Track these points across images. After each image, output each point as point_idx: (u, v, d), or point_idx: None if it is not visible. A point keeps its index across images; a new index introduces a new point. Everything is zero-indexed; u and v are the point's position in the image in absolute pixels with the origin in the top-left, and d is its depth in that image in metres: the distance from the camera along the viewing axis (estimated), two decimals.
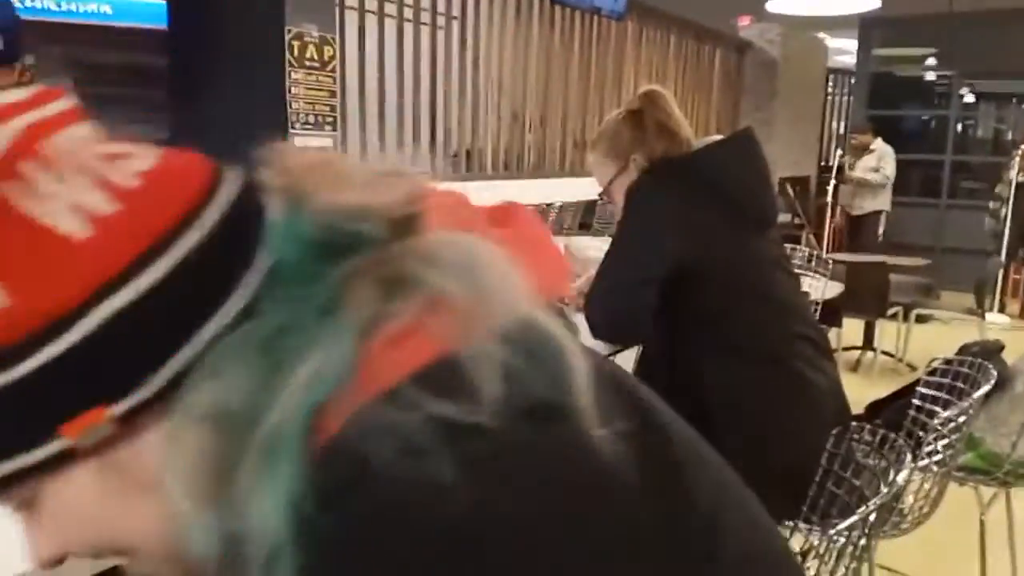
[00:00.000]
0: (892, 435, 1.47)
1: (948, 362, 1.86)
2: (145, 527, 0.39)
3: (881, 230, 6.80)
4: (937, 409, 1.75)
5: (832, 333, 4.26)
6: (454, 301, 0.37)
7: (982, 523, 2.02)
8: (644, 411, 0.42)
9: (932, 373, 1.88)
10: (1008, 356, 2.09)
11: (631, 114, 1.79)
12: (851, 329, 4.84)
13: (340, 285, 0.37)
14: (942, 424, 1.60)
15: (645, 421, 0.41)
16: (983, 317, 6.24)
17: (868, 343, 4.98)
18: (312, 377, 0.35)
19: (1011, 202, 6.19)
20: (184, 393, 0.36)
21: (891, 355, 4.91)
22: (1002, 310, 6.24)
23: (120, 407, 0.36)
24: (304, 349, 0.35)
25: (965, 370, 1.80)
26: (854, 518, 1.15)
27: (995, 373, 1.75)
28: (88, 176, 0.36)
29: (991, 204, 6.29)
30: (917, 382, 1.92)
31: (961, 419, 1.64)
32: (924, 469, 1.64)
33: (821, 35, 8.10)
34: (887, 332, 4.96)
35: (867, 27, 7.91)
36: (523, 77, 5.22)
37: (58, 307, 0.34)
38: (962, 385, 1.78)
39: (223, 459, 0.36)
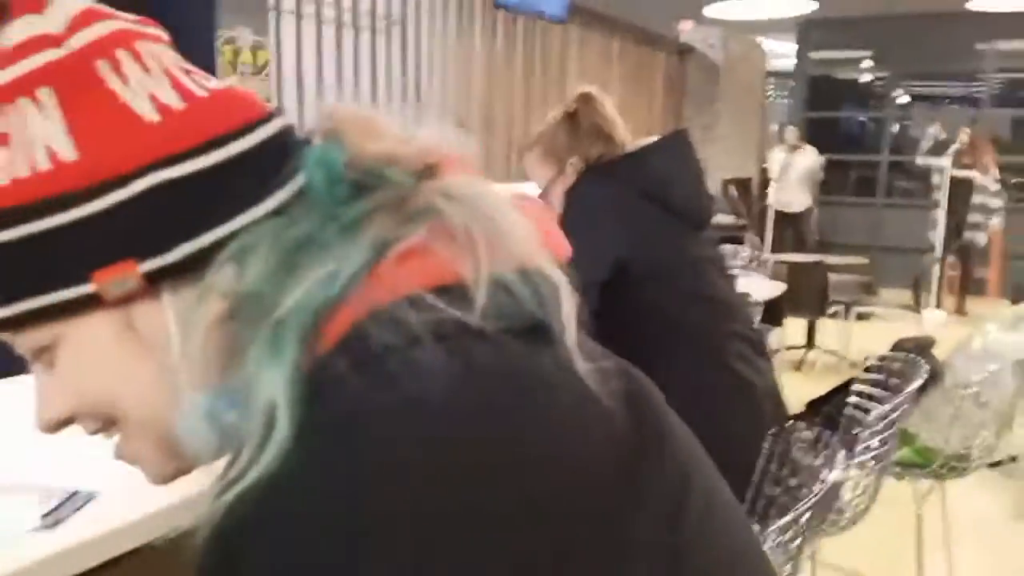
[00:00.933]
0: (827, 432, 1.48)
1: (882, 359, 1.89)
2: (145, 391, 0.43)
3: (814, 227, 6.99)
4: (872, 405, 1.77)
5: (775, 332, 4.33)
6: (464, 232, 0.41)
7: (919, 516, 2.06)
8: (624, 365, 0.46)
9: (867, 370, 1.90)
10: (944, 351, 2.13)
11: (567, 117, 1.77)
12: (794, 328, 4.93)
13: (363, 213, 0.42)
14: (876, 420, 1.62)
15: (625, 370, 0.45)
16: (920, 313, 6.43)
17: (811, 341, 5.08)
18: (327, 276, 0.39)
19: (946, 200, 6.40)
20: (210, 269, 0.41)
21: (833, 353, 5.01)
22: (939, 306, 6.44)
23: (148, 265, 0.41)
24: (322, 257, 0.40)
25: (898, 366, 1.83)
26: (787, 518, 1.14)
27: (927, 368, 1.78)
28: (168, 78, 0.43)
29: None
30: (854, 379, 1.95)
31: (894, 415, 1.66)
32: (860, 465, 1.66)
33: (760, 39, 8.27)
34: (829, 330, 5.06)
35: (804, 30, 8.10)
36: (467, 83, 5.19)
37: (115, 169, 0.40)
38: (895, 381, 1.81)
39: (232, 337, 0.40)
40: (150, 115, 0.41)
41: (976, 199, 6.49)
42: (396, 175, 0.43)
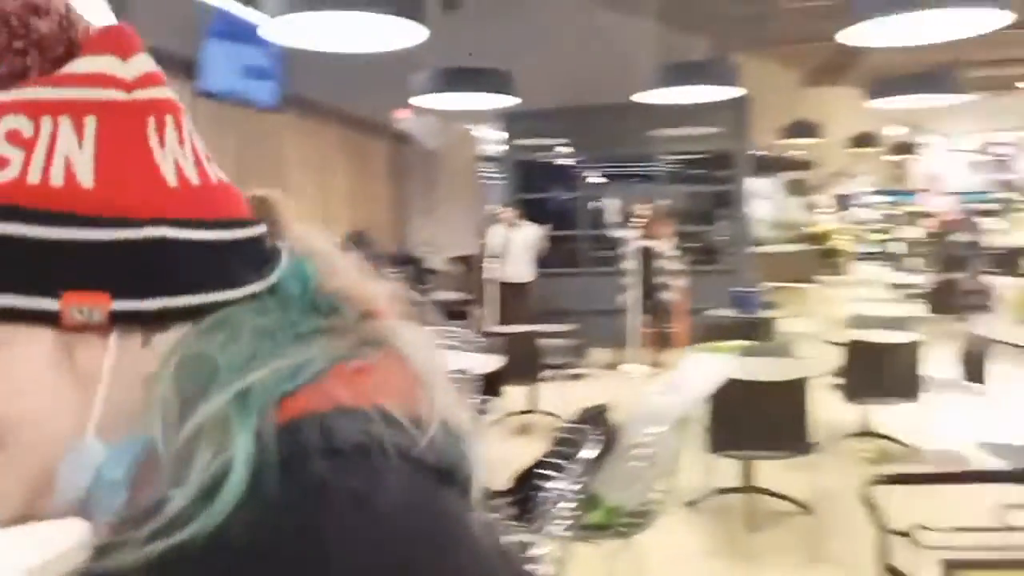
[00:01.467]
0: (514, 510, 1.63)
1: (565, 430, 2.12)
2: (54, 421, 0.44)
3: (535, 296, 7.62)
4: (556, 476, 1.97)
5: (496, 402, 4.60)
6: (416, 368, 0.45)
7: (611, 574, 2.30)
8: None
9: (554, 443, 2.12)
10: (635, 403, 2.41)
11: None
12: (516, 395, 5.26)
13: (320, 328, 0.46)
14: (556, 490, 1.82)
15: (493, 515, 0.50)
16: (623, 369, 7.20)
17: (532, 406, 5.45)
18: (290, 367, 0.42)
19: (636, 266, 7.30)
20: (169, 330, 0.44)
21: (552, 414, 5.42)
22: (639, 361, 7.26)
23: (121, 305, 0.43)
24: (282, 352, 0.43)
25: (575, 437, 2.07)
26: None
27: (599, 436, 2.03)
28: (194, 156, 0.48)
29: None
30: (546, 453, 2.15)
31: (574, 485, 1.87)
32: (548, 536, 1.84)
33: (471, 127, 8.91)
34: (547, 393, 5.47)
35: (508, 120, 8.89)
36: None
37: (126, 211, 0.43)
38: (574, 451, 2.04)
39: (185, 396, 0.42)
40: (171, 179, 0.46)
41: (659, 264, 7.50)
42: (346, 311, 0.48)
